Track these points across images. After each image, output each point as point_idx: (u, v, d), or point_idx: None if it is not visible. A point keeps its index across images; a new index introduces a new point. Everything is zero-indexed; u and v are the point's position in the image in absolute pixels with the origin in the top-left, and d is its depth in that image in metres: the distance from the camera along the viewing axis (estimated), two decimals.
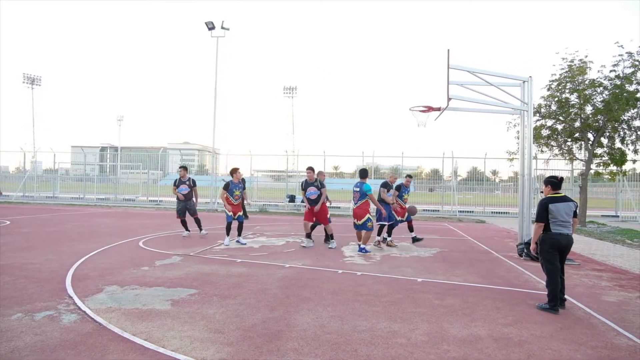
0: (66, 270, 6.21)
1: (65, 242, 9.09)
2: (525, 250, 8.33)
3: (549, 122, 15.35)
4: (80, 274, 6.02)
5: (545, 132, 15.46)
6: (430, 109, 9.19)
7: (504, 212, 21.32)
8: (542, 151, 16.46)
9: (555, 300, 4.77)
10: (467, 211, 21.60)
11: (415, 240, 9.90)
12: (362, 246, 8.69)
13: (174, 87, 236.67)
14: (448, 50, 8.03)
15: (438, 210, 21.75)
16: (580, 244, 10.52)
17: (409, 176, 10.37)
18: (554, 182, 5.06)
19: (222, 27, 21.51)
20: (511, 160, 16.33)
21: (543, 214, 4.90)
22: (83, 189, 26.22)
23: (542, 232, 4.96)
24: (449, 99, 8.07)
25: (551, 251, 4.88)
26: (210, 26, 21.46)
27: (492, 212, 21.35)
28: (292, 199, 21.01)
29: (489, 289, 5.81)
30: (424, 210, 21.51)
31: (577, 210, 5.05)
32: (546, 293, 4.95)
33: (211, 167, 26.78)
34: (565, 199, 4.94)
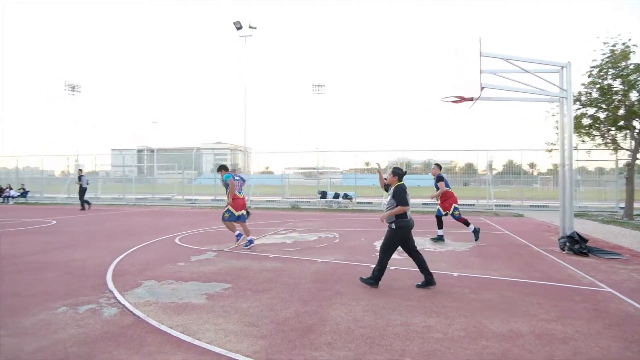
0: (107, 266, 6.44)
1: (106, 239, 9.44)
2: (567, 244, 7.97)
3: (591, 111, 14.60)
4: (120, 270, 6.22)
5: (586, 121, 14.73)
6: (462, 99, 8.92)
7: (543, 206, 20.52)
8: (583, 141, 15.71)
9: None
10: (504, 205, 20.91)
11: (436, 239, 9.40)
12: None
13: (204, 88, 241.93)
14: (479, 38, 7.76)
15: (473, 205, 21.18)
16: (628, 238, 9.97)
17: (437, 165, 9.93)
18: (401, 174, 5.56)
19: (250, 27, 21.74)
20: (550, 151, 15.68)
21: (405, 199, 5.28)
22: (122, 189, 27.20)
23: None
24: (481, 88, 7.81)
25: (404, 235, 5.34)
26: (238, 26, 21.74)
27: (530, 206, 20.60)
28: (323, 195, 21.01)
29: (529, 284, 5.58)
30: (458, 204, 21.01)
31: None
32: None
33: (243, 165, 27.18)
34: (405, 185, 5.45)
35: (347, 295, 4.91)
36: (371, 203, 20.89)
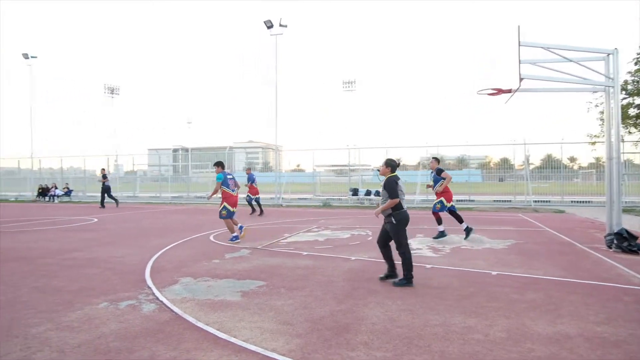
0: (145, 263, 6.60)
1: (144, 237, 9.71)
2: (615, 242, 7.55)
3: (638, 100, 13.82)
4: (157, 266, 6.37)
5: (633, 112, 13.98)
6: (499, 91, 8.60)
7: (585, 201, 19.60)
8: (629, 132, 14.89)
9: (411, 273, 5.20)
10: (543, 201, 20.12)
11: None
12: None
13: (237, 88, 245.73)
14: (518, 26, 7.44)
15: (510, 201, 20.50)
16: None
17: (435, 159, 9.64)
18: (394, 165, 5.51)
19: (280, 25, 21.82)
20: (593, 144, 14.97)
21: (396, 190, 5.26)
22: (159, 188, 28.00)
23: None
24: (520, 79, 7.49)
25: (405, 227, 5.38)
26: (269, 25, 21.85)
27: (571, 202, 19.73)
28: (355, 192, 20.89)
29: (575, 283, 5.30)
30: (494, 200, 20.40)
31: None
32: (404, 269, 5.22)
33: (275, 163, 27.39)
34: (398, 177, 5.45)
35: (381, 294, 4.82)
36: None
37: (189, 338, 3.54)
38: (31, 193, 27.29)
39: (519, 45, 7.40)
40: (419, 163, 28.15)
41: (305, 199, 22.84)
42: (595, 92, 12.07)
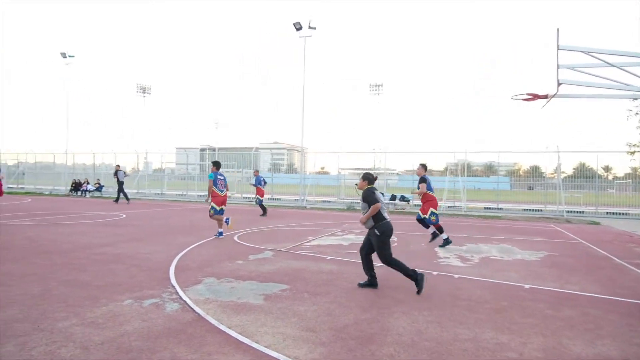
0: (170, 261, 6.64)
1: (170, 234, 9.82)
2: None
3: None
4: (182, 265, 6.39)
5: None
6: (535, 96, 8.27)
7: (621, 213, 18.74)
8: None
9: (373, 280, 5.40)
10: (576, 211, 19.35)
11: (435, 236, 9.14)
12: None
13: (264, 89, 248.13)
14: (557, 29, 7.14)
15: (541, 210, 19.83)
16: None
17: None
18: (371, 179, 5.60)
19: (309, 27, 21.84)
20: (632, 153, 14.28)
21: (374, 197, 5.30)
22: (186, 186, 28.47)
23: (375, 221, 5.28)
24: (558, 84, 7.17)
25: (389, 239, 5.34)
26: (298, 27, 21.90)
27: (606, 213, 18.90)
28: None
29: (614, 301, 5.00)
30: (524, 209, 19.76)
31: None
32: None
33: (300, 165, 27.42)
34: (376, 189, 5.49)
35: (408, 304, 4.67)
36: None
37: (210, 341, 3.49)
38: (65, 187, 28.22)
39: (558, 49, 7.09)
40: (445, 168, 27.63)
41: (329, 201, 22.75)
42: (636, 99, 11.54)
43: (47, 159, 34.13)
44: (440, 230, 9.05)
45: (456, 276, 6.09)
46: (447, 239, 8.90)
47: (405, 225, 13.15)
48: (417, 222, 9.40)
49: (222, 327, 3.78)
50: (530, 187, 27.25)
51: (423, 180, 9.08)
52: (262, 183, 15.62)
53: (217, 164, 9.68)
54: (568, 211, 18.93)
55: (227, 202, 10.11)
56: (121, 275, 5.71)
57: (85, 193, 26.29)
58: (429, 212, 9.06)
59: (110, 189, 28.44)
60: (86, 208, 16.99)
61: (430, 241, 9.16)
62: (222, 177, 9.68)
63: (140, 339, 3.49)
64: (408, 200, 20.06)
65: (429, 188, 9.09)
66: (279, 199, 23.70)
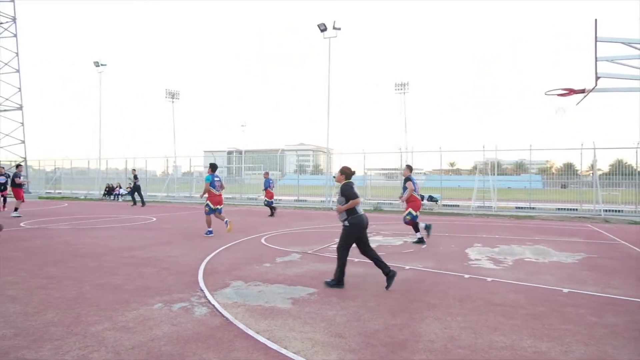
0: (199, 264, 6.70)
1: (199, 237, 9.94)
2: None
3: None
4: (210, 268, 6.44)
5: None
6: (571, 91, 7.93)
7: None
8: None
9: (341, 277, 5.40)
10: (615, 210, 18.50)
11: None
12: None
13: (290, 91, 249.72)
14: (595, 20, 6.82)
15: (576, 209, 19.05)
16: None
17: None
18: (349, 173, 5.62)
19: (334, 28, 21.77)
20: None
21: (353, 192, 5.37)
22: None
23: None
24: (597, 78, 6.84)
25: (358, 232, 5.46)
26: (323, 28, 21.87)
27: None
28: None
29: None
30: (557, 209, 19.04)
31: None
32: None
33: (325, 166, 27.38)
34: (353, 183, 5.54)
35: (439, 309, 4.52)
36: (458, 206, 19.75)
37: (239, 346, 3.46)
38: (98, 191, 29.13)
39: (596, 41, 6.77)
40: (474, 167, 26.98)
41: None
42: None
43: (82, 165, 35.41)
44: (416, 229, 9.39)
45: (489, 279, 5.89)
46: (422, 239, 9.22)
47: (433, 226, 12.88)
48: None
49: (250, 332, 3.75)
50: (563, 185, 26.27)
51: (408, 180, 9.33)
52: (271, 185, 16.26)
53: (213, 167, 10.43)
54: (606, 210, 18.12)
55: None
56: (151, 278, 5.79)
57: (117, 197, 27.06)
58: (407, 212, 9.35)
59: (143, 192, 29.17)
60: (118, 212, 17.47)
61: (428, 235, 9.67)
62: (218, 179, 10.45)
63: (169, 344, 3.50)
64: (436, 200, 19.69)
65: (415, 189, 9.33)
66: (305, 201, 23.71)
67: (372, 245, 8.95)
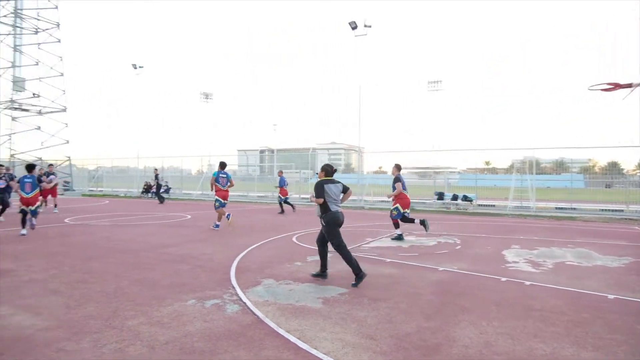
0: (231, 262, 6.80)
1: (232, 235, 10.10)
2: None
3: None
4: (242, 266, 6.51)
5: None
6: (617, 86, 7.49)
7: None
8: None
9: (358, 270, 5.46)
10: None
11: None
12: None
13: (321, 90, 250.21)
14: None
15: (622, 211, 18.08)
16: None
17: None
18: (328, 170, 5.88)
19: (365, 25, 21.61)
20: None
21: (321, 192, 5.59)
22: (246, 187, 29.37)
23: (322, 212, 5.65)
24: None
25: (336, 228, 5.65)
26: (353, 26, 21.76)
27: None
28: (440, 196, 19.94)
29: None
30: (601, 210, 18.13)
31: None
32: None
33: (357, 165, 27.25)
34: (333, 181, 5.76)
35: (475, 313, 4.38)
36: (494, 206, 19.17)
37: (269, 345, 3.47)
38: (137, 190, 30.18)
39: None
40: (511, 166, 26.10)
41: (388, 201, 22.35)
42: None
43: (122, 163, 36.84)
44: (396, 226, 9.64)
45: (527, 283, 5.66)
46: (401, 235, 9.56)
47: (468, 226, 12.56)
48: (404, 222, 9.71)
49: (281, 331, 3.75)
50: (608, 185, 25.02)
51: (397, 179, 9.62)
52: (285, 184, 17.08)
53: (222, 165, 11.19)
54: None
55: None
56: (185, 275, 5.92)
57: (154, 195, 27.93)
58: (394, 206, 9.58)
59: (177, 190, 30.02)
60: (155, 209, 18.01)
61: (427, 230, 9.62)
62: (225, 175, 11.12)
63: (202, 340, 3.55)
64: (471, 200, 19.19)
65: (404, 187, 9.61)
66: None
67: (406, 245, 8.88)
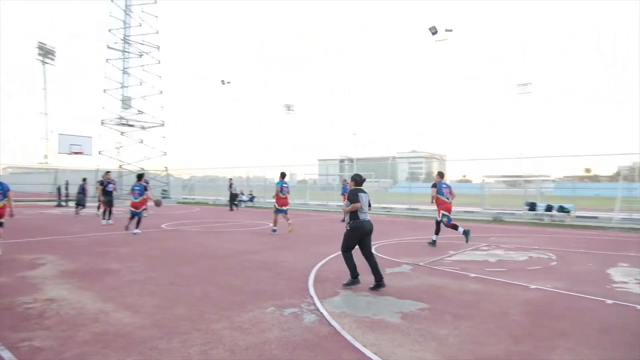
0: (309, 270, 6.88)
1: (311, 244, 10.26)
2: None
3: None
4: (320, 275, 6.56)
5: None
6: None
7: None
8: None
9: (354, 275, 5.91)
10: None
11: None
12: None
13: (400, 97, 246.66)
14: None
15: None
16: None
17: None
18: (358, 180, 6.19)
19: (446, 30, 20.92)
20: None
21: (356, 198, 5.81)
22: (326, 196, 29.76)
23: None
24: None
25: (357, 235, 5.91)
26: (434, 31, 21.18)
27: None
28: (532, 207, 18.44)
29: None
30: None
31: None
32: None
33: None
34: (363, 191, 6.04)
35: (573, 338, 3.93)
36: (597, 218, 17.24)
37: (345, 358, 3.43)
38: (224, 198, 32.09)
39: None
40: (617, 173, 23.34)
41: (471, 212, 21.21)
42: None
43: (212, 173, 39.55)
44: (455, 227, 9.89)
45: (639, 307, 4.96)
46: (435, 242, 10.04)
47: (565, 240, 11.42)
48: (447, 228, 10.04)
49: (358, 345, 3.69)
50: None
51: (433, 185, 10.22)
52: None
53: (282, 175, 12.54)
54: None
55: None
56: (266, 282, 6.11)
57: (240, 203, 29.45)
58: (440, 215, 10.00)
59: (261, 199, 31.35)
60: (241, 217, 18.97)
61: (467, 241, 9.71)
62: (286, 185, 12.40)
63: (279, 348, 3.62)
64: (568, 211, 17.45)
65: (440, 192, 10.02)
66: (416, 209, 23.01)
67: (492, 259, 8.32)
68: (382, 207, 24.83)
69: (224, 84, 33.40)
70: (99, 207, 15.95)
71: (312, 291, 5.55)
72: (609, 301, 5.23)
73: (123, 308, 4.74)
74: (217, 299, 5.18)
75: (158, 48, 33.29)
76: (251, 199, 30.07)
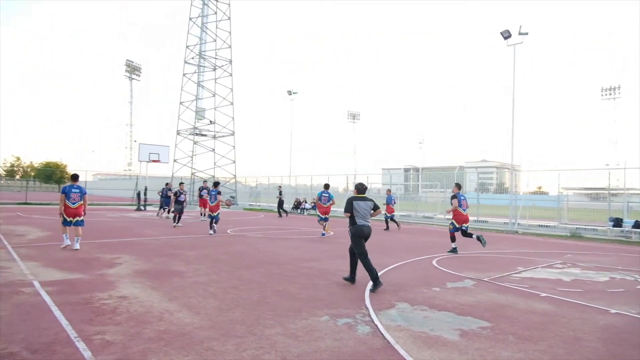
0: (367, 281, 6.78)
1: (371, 254, 10.08)
2: None
3: None
4: None
5: None
6: None
7: None
8: None
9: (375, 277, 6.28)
10: None
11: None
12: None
13: (470, 104, 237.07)
14: None
15: None
16: None
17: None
18: (359, 188, 6.82)
19: (520, 33, 19.80)
20: None
21: (349, 207, 6.51)
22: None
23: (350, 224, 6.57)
24: None
25: (360, 239, 6.49)
26: (506, 35, 20.13)
27: None
28: (617, 222, 16.77)
29: None
30: None
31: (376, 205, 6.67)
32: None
33: (510, 184, 24.82)
34: (364, 198, 6.65)
35: None
36: None
37: None
38: (288, 205, 32.78)
39: None
40: None
41: (547, 226, 19.75)
42: None
43: (278, 181, 40.60)
44: (452, 239, 10.50)
45: None
46: (455, 249, 10.44)
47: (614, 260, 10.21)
48: (464, 236, 10.43)
49: None
50: None
51: (454, 197, 10.49)
52: (392, 202, 18.15)
53: (326, 186, 14.62)
54: None
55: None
56: (322, 290, 6.12)
57: (303, 211, 29.92)
58: (450, 222, 10.58)
59: None
60: (303, 224, 19.24)
61: (484, 245, 10.07)
62: (326, 194, 14.09)
63: (331, 358, 3.59)
64: None
65: (459, 204, 10.37)
66: (485, 222, 21.89)
67: (567, 278, 7.66)
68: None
69: (290, 94, 34.29)
70: (168, 211, 19.46)
71: (367, 302, 5.47)
72: None
73: (186, 308, 4.99)
74: (273, 304, 5.28)
75: (230, 62, 35.06)
76: (314, 207, 30.42)
